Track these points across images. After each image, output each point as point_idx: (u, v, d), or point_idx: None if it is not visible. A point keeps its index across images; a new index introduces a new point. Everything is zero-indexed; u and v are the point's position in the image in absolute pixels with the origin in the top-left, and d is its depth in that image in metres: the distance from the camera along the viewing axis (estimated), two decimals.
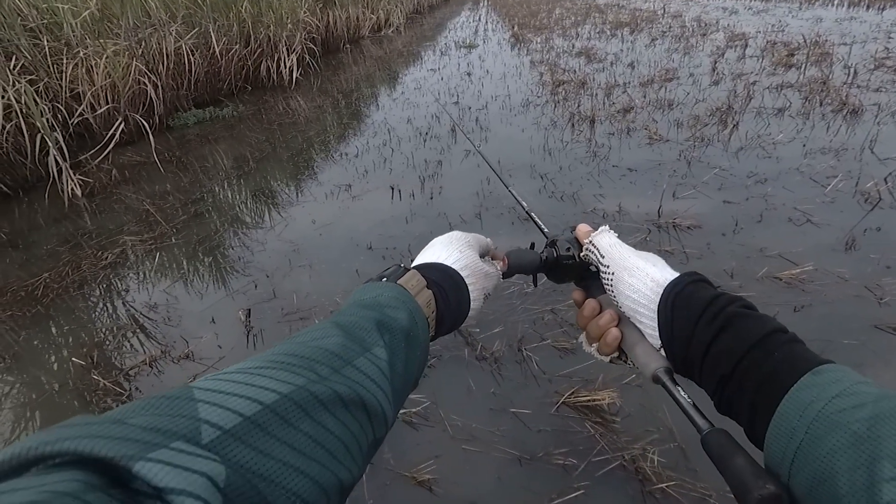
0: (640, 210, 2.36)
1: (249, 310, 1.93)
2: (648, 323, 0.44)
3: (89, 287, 2.22)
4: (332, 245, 2.35)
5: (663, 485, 1.15)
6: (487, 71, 5.78)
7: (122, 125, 3.83)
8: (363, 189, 2.91)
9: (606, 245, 0.51)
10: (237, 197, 3.08)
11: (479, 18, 12.16)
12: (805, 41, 5.47)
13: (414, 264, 0.51)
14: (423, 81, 5.62)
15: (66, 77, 3.90)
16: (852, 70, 4.23)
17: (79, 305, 2.10)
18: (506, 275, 0.56)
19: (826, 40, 5.46)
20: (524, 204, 0.69)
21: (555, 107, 4.11)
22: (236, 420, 0.25)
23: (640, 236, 2.15)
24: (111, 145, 3.73)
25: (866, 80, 3.98)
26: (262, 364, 0.30)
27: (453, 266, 0.50)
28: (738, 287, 1.78)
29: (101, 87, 3.98)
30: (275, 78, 5.89)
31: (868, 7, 7.93)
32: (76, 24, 4.21)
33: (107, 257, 2.43)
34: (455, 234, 0.55)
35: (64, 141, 3.32)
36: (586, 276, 0.55)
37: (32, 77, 3.64)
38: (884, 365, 1.42)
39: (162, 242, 2.52)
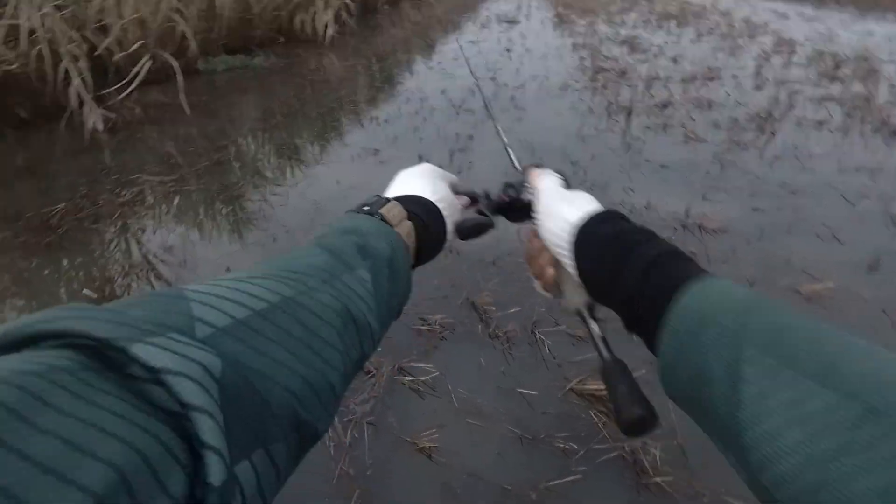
0: (669, 208, 2.33)
1: None
2: (570, 264, 0.45)
3: (105, 223, 2.24)
4: None
5: (659, 478, 1.16)
6: (528, 49, 5.64)
7: (150, 63, 3.80)
8: (391, 155, 2.89)
9: (540, 189, 0.52)
10: (262, 150, 3.08)
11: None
12: (855, 54, 5.29)
13: (391, 195, 0.50)
14: (461, 53, 5.53)
15: (93, 6, 3.84)
16: None
17: (93, 239, 2.13)
18: (462, 234, 0.55)
19: (875, 56, 5.27)
20: (505, 139, 0.71)
21: (593, 93, 4.03)
22: (229, 321, 0.25)
23: (665, 234, 2.12)
24: (136, 82, 3.70)
25: None
26: (252, 275, 0.30)
27: (431, 198, 0.50)
28: None
29: (130, 20, 3.93)
30: (309, 32, 5.81)
31: None
32: None
33: (125, 195, 2.45)
34: (427, 166, 0.56)
35: (88, 73, 3.31)
36: None
37: (59, 2, 3.60)
38: None
39: (182, 186, 2.54)
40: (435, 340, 1.56)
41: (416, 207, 0.48)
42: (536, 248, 0.53)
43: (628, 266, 0.38)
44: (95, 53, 3.66)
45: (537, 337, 1.55)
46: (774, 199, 2.45)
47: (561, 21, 7.52)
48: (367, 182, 2.56)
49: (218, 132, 3.24)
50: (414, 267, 0.48)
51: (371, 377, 1.42)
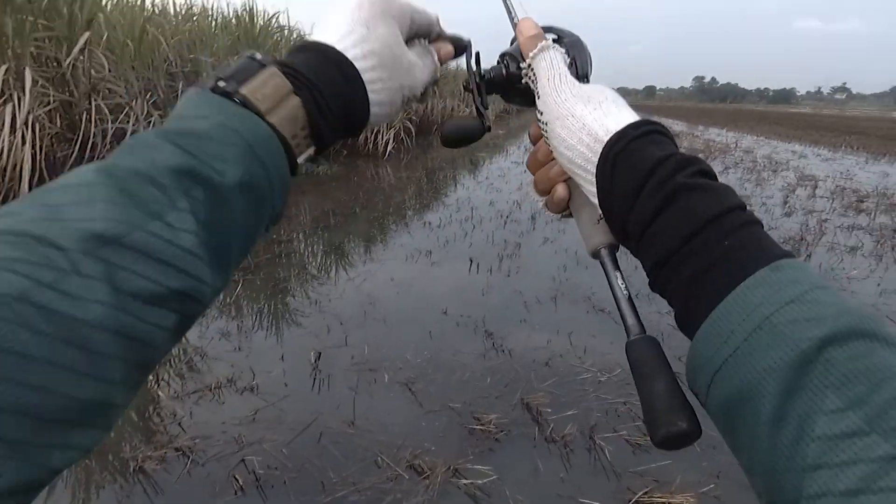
0: None
1: (320, 353, 1.97)
2: (588, 188, 0.34)
3: None
4: (408, 304, 2.39)
5: None
6: None
7: None
8: (442, 257, 2.99)
9: (543, 74, 0.39)
10: (320, 245, 3.24)
11: None
12: (875, 191, 5.43)
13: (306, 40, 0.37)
14: (508, 171, 5.86)
15: None
16: None
17: None
18: (446, 142, 0.45)
19: (894, 193, 5.41)
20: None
21: None
22: None
23: None
24: None
25: None
26: None
27: (349, 52, 0.36)
28: None
29: None
30: (370, 147, 6.32)
31: None
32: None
33: None
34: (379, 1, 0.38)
35: None
36: None
37: (160, 113, 4.09)
38: None
39: (244, 275, 2.67)
40: (490, 441, 1.50)
41: (315, 68, 0.35)
42: (543, 155, 0.41)
43: (681, 217, 0.29)
44: None
45: (596, 443, 1.48)
46: None
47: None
48: (419, 281, 2.63)
49: (278, 227, 3.45)
50: (316, 155, 0.37)
51: (425, 478, 1.37)
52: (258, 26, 5.88)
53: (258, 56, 0.34)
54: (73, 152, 3.60)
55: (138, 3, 4.62)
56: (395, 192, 4.61)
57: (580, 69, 0.42)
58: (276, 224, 0.35)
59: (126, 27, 4.26)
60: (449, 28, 0.45)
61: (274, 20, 6.27)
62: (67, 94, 3.69)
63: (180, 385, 1.77)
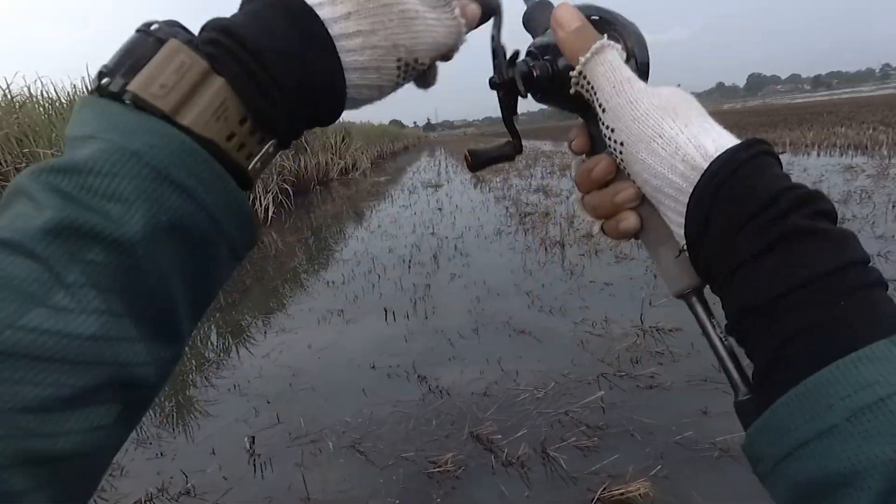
0: (625, 318, 2.52)
1: (254, 437, 1.87)
2: (675, 218, 0.29)
3: None
4: (333, 367, 2.35)
5: None
6: (457, 206, 6.25)
7: None
8: (355, 313, 2.97)
9: (605, 82, 0.31)
10: (223, 328, 3.07)
11: (439, 163, 13.27)
12: None
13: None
14: (398, 216, 5.99)
15: None
16: None
17: None
18: (474, 166, 0.38)
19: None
20: None
21: (525, 234, 4.44)
22: None
23: (630, 340, 2.28)
24: None
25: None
26: None
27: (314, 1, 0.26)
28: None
29: None
30: None
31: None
32: None
33: None
34: None
35: None
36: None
37: None
38: None
39: None
40: (451, 480, 1.52)
41: (254, 31, 0.25)
42: (601, 173, 0.34)
43: (792, 264, 0.25)
44: None
45: (550, 455, 1.56)
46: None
47: (479, 181, 8.39)
48: (338, 342, 2.60)
49: None
50: (284, 145, 0.28)
51: None
52: None
53: (154, 25, 0.24)
54: None
55: None
56: (286, 258, 4.51)
57: (640, 65, 0.34)
58: (246, 254, 0.27)
59: None
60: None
61: None
62: None
63: None
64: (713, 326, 0.32)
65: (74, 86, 5.60)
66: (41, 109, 5.15)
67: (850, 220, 3.87)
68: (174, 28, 0.25)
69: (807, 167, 6.72)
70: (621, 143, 0.31)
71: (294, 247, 4.91)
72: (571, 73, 0.32)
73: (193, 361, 2.58)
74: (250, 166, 0.26)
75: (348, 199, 7.82)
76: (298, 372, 2.33)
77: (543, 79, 0.34)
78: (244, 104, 0.25)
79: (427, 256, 4.02)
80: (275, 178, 6.71)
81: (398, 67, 0.29)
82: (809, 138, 9.61)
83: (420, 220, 5.55)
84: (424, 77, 0.34)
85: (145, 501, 1.58)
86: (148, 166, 0.22)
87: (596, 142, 0.35)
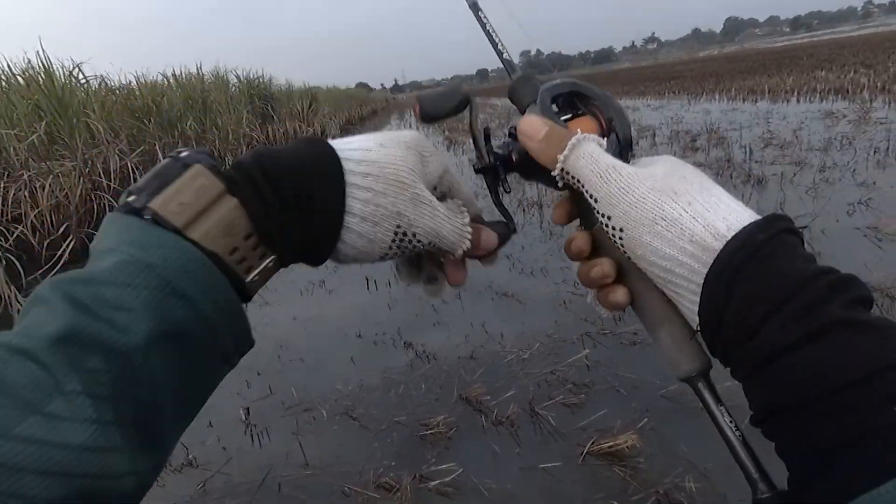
0: None
1: (248, 408, 1.89)
2: (687, 299, 0.28)
3: None
4: (321, 337, 2.37)
5: None
6: None
7: (74, 242, 3.75)
8: (337, 283, 2.98)
9: (591, 174, 0.31)
10: None
11: (410, 126, 13.04)
12: (703, 129, 6.34)
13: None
14: None
15: (8, 201, 3.89)
16: (748, 149, 4.92)
17: None
18: (426, 117, 0.37)
19: (719, 127, 6.34)
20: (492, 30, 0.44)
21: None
22: None
23: None
24: (59, 264, 3.63)
25: (760, 156, 4.64)
26: None
27: (343, 152, 0.30)
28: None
29: (46, 207, 3.95)
30: None
31: (744, 100, 9.30)
32: (22, 147, 4.22)
33: None
34: (407, 133, 0.34)
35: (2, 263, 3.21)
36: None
37: None
38: None
39: None
40: (444, 441, 1.58)
41: (278, 159, 0.28)
42: (578, 247, 0.36)
43: (833, 361, 0.23)
44: (7, 243, 3.57)
45: (539, 413, 1.63)
46: None
47: (451, 142, 8.31)
48: (322, 312, 2.61)
49: None
50: (284, 262, 0.30)
51: (396, 493, 1.40)
52: (59, 84, 5.22)
53: (184, 153, 0.27)
54: None
55: None
56: None
57: (622, 138, 0.36)
58: (238, 361, 0.30)
59: None
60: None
61: (77, 72, 5.62)
62: None
63: None
64: (722, 414, 0.30)
65: (29, 60, 5.31)
66: None
67: (832, 167, 3.99)
68: (201, 155, 0.28)
69: (786, 114, 6.74)
70: (621, 230, 0.30)
71: None
72: (553, 174, 0.33)
73: None
74: (249, 278, 0.28)
75: None
76: (286, 344, 2.34)
77: (522, 162, 0.36)
78: (252, 222, 0.27)
79: None
80: (243, 147, 6.55)
81: (395, 233, 0.31)
82: (789, 84, 9.60)
83: None
84: (433, 284, 0.39)
85: None
86: (158, 277, 0.23)
87: (575, 212, 0.38)
